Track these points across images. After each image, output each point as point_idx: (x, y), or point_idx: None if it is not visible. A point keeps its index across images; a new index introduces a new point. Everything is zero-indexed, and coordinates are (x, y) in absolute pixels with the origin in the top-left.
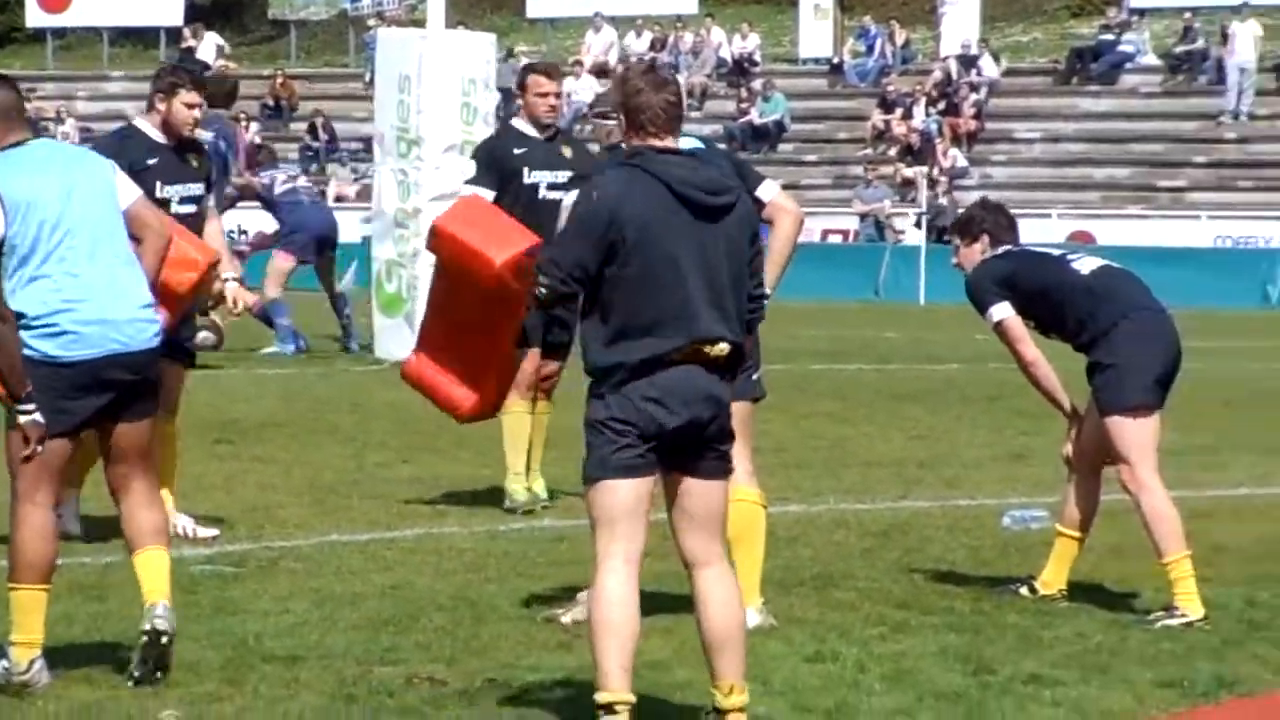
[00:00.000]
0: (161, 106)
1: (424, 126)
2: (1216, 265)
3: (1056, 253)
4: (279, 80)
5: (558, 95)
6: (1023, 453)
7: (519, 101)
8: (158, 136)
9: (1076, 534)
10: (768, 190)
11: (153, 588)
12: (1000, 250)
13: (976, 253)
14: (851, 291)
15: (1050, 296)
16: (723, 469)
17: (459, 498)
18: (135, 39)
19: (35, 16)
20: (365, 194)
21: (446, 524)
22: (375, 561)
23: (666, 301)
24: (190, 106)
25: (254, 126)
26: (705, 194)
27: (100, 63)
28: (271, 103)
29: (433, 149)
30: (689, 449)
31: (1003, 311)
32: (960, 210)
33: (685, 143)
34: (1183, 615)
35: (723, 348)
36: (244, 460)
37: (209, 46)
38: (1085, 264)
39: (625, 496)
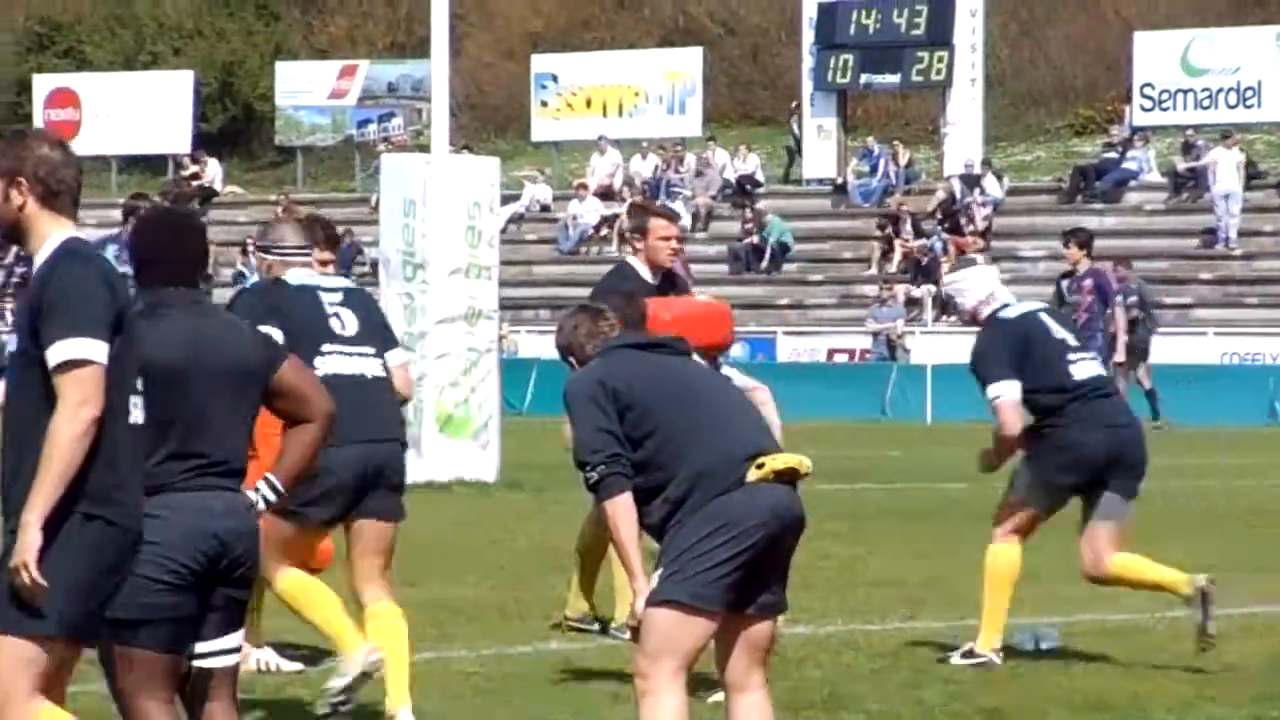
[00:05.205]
0: None
1: (429, 250)
2: (1223, 382)
3: None
4: (283, 204)
5: (679, 239)
6: (1031, 572)
7: (637, 245)
8: None
9: None
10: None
11: None
12: None
13: None
14: (858, 410)
15: None
16: (775, 604)
17: (465, 621)
18: (143, 166)
19: None
20: None
21: (454, 647)
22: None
23: None
24: (323, 264)
25: None
26: None
27: (108, 190)
28: None
29: (438, 272)
30: None
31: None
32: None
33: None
34: None
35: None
36: None
37: (215, 173)
38: None
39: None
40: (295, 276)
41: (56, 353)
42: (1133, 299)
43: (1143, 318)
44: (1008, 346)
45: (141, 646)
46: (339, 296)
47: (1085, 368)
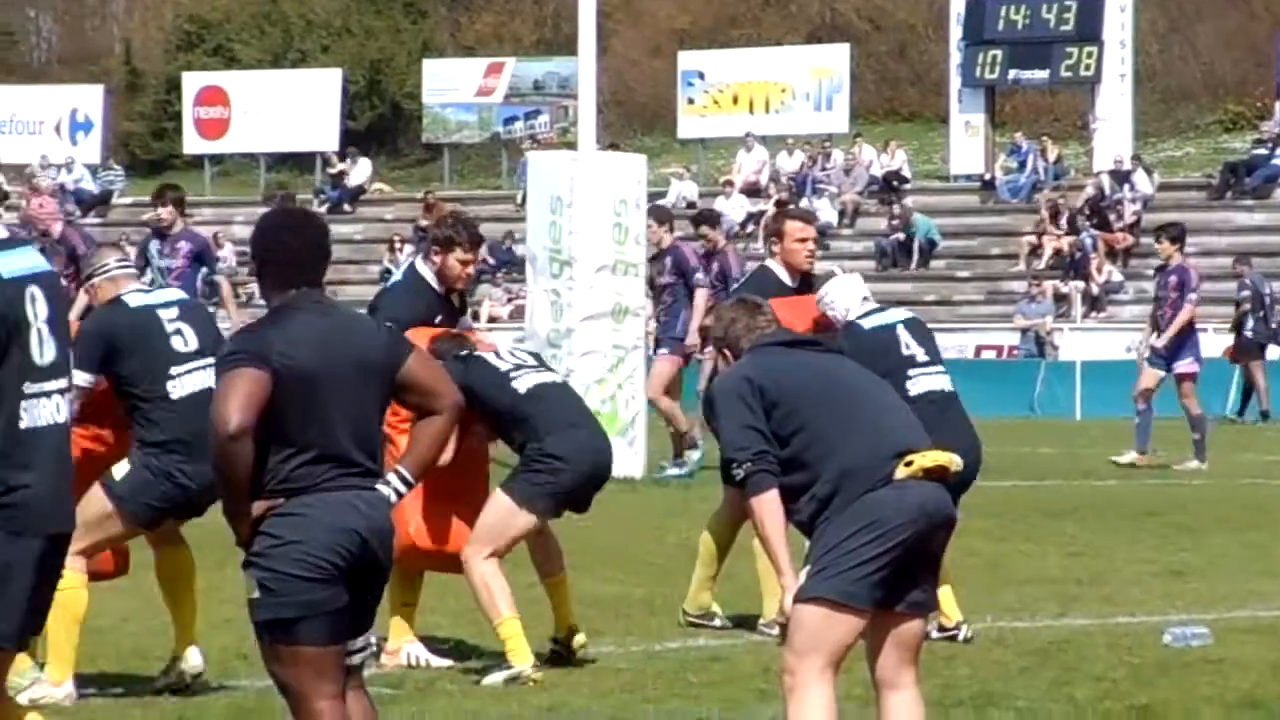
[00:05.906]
0: (437, 259)
1: (576, 247)
2: None
3: None
4: (428, 201)
5: (817, 241)
6: (1182, 569)
7: (774, 248)
8: (436, 286)
9: None
10: None
11: None
12: None
13: None
14: (1006, 407)
15: None
16: (924, 602)
17: (614, 617)
18: (292, 164)
19: (193, 143)
20: (518, 314)
21: (603, 644)
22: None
23: None
24: (464, 264)
25: (408, 249)
26: None
27: (257, 188)
28: (424, 224)
29: (585, 269)
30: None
31: None
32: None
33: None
34: None
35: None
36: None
37: (363, 170)
38: None
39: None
40: (133, 298)
41: None
42: (1245, 293)
43: (1261, 315)
44: (853, 356)
45: (303, 643)
46: (175, 311)
47: (924, 383)
